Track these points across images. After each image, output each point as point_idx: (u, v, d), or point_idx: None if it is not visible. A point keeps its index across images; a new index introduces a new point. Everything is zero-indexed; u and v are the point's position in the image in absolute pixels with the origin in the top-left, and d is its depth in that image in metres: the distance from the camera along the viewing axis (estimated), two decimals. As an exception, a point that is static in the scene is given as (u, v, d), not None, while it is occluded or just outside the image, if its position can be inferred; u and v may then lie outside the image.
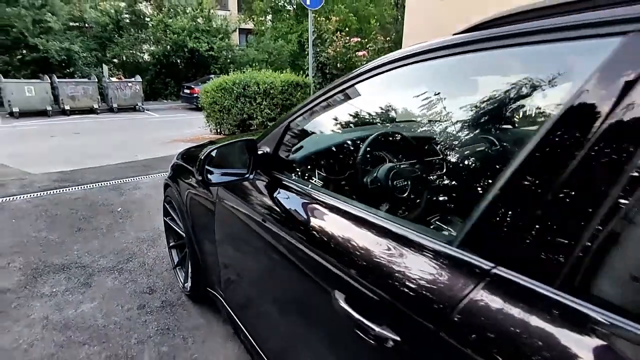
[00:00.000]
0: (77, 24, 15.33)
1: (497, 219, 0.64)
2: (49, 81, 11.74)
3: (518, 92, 0.84)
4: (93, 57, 15.13)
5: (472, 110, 1.02)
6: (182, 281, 2.16)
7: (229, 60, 17.87)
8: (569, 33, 0.62)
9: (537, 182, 0.60)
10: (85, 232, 3.04)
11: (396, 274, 0.73)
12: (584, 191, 0.54)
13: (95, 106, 12.48)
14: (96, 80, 12.81)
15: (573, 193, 0.55)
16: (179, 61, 17.00)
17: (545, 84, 0.74)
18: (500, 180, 0.64)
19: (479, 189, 0.96)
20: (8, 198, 3.83)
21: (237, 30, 22.70)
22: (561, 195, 0.55)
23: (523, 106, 0.89)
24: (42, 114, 11.36)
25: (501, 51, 0.76)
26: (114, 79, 13.66)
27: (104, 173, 4.74)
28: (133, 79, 13.73)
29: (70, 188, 4.17)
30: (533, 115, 0.83)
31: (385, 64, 0.98)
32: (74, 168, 4.98)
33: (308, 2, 6.53)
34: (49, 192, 4.05)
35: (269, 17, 20.53)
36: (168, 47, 16.72)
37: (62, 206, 3.62)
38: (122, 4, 16.34)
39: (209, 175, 1.18)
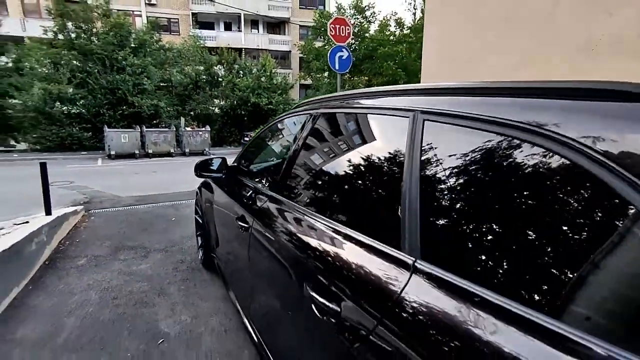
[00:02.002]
0: (165, 84, 18.80)
1: (287, 179, 1.72)
2: (139, 130, 14.60)
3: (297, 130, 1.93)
4: (174, 110, 18.28)
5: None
6: (201, 256, 3.34)
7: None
8: (295, 112, 1.74)
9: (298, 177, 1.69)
10: (149, 231, 4.42)
11: (258, 209, 1.83)
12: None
13: (172, 151, 15.08)
14: (174, 129, 15.57)
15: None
16: (243, 113, 19.68)
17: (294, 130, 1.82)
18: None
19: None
20: (104, 209, 5.47)
21: (298, 86, 25.64)
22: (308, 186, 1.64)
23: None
24: (131, 156, 14.07)
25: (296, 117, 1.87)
26: (188, 129, 16.38)
27: (167, 197, 6.29)
28: (203, 129, 16.36)
29: (144, 205, 5.73)
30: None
31: (280, 118, 2.13)
32: (148, 193, 6.64)
33: (337, 67, 7.96)
34: (129, 207, 5.64)
35: (326, 73, 22.88)
36: (234, 101, 19.58)
37: (137, 216, 5.12)
38: (201, 68, 19.76)
39: (202, 173, 2.39)
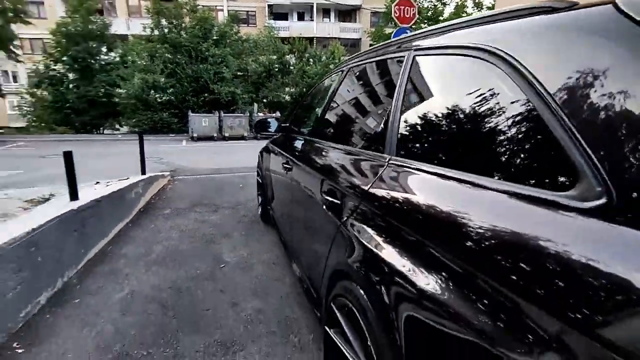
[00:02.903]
0: (242, 73, 20.20)
1: (316, 124, 2.08)
2: (217, 115, 16.05)
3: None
4: (249, 97, 19.59)
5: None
6: (260, 211, 3.86)
7: (352, 99, 20.47)
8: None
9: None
10: (220, 193, 5.13)
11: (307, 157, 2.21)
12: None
13: (245, 134, 16.30)
14: (248, 115, 16.79)
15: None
16: (311, 100, 20.34)
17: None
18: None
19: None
20: (185, 177, 6.39)
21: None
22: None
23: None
24: (210, 138, 15.55)
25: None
26: (260, 114, 17.55)
27: (238, 169, 7.07)
28: (274, 115, 17.37)
29: (218, 175, 6.56)
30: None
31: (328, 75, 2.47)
32: (222, 167, 7.50)
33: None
34: (206, 176, 6.50)
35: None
36: (304, 89, 20.28)
37: (212, 183, 5.91)
38: (274, 57, 20.81)
39: (261, 132, 2.85)
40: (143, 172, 4.98)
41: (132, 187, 4.07)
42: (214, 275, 2.60)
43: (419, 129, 1.13)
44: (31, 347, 1.81)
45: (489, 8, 21.66)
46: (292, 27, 26.28)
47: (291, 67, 20.98)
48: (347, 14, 28.86)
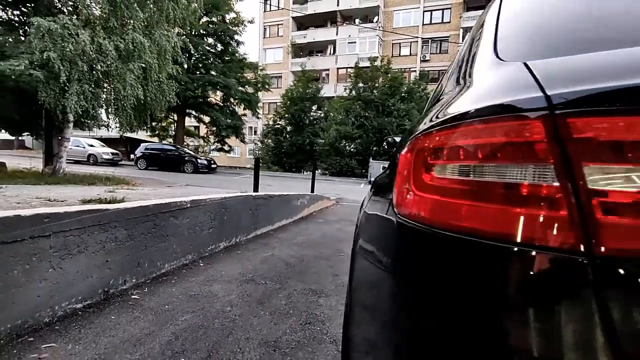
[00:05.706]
0: (424, 126, 20.99)
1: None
2: (395, 162, 17.13)
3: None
4: (428, 149, 20.02)
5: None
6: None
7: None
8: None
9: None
10: (368, 216, 5.76)
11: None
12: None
13: (419, 182, 16.68)
14: (424, 164, 17.18)
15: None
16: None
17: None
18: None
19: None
20: (346, 204, 7.38)
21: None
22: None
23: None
24: (385, 183, 16.68)
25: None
26: (437, 165, 17.62)
27: (394, 205, 7.59)
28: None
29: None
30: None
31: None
32: (382, 201, 8.19)
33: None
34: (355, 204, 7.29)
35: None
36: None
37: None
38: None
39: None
40: (312, 191, 6.19)
41: (298, 197, 5.21)
42: (330, 258, 3.19)
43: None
44: (207, 266, 2.83)
45: None
46: (484, 82, 25.59)
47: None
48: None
